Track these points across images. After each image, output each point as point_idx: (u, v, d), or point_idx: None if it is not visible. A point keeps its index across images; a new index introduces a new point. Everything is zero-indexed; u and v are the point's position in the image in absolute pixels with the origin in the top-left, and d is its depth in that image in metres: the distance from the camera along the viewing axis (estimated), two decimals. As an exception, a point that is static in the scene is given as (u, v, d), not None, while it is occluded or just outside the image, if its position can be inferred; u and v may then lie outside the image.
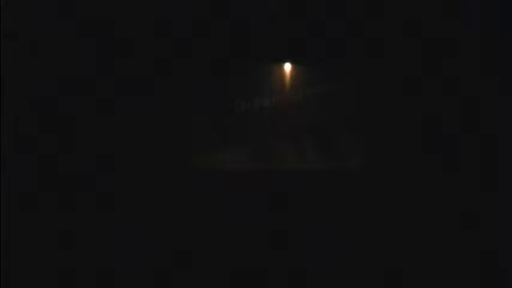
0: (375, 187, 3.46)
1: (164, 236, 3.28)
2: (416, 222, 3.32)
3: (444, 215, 3.31)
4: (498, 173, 3.30)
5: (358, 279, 3.13)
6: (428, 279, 3.10)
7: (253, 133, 3.64)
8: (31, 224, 3.16)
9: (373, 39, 3.51)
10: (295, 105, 3.66)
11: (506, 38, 3.33)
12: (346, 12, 3.47)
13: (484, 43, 3.39)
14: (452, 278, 3.09)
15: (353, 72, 3.62)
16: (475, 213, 3.26)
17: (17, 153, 3.20)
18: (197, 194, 3.44)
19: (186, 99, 3.57)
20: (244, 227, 3.36)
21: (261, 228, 3.35)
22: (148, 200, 3.38)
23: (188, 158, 3.55)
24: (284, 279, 3.14)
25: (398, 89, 3.51)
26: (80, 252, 3.17)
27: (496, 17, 3.36)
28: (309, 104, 3.66)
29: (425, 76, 3.47)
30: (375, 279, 3.12)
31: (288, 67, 3.67)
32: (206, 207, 3.41)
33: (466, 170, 3.34)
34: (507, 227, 3.19)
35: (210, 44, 3.53)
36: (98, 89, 3.39)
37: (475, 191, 3.30)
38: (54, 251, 3.14)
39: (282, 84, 3.67)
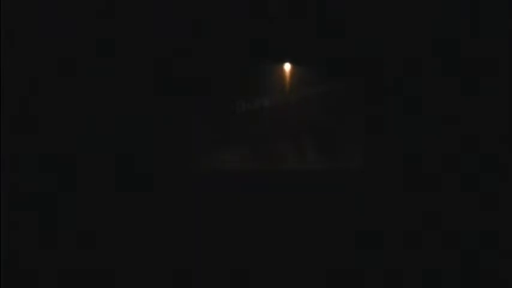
0: (374, 187, 3.46)
1: (164, 236, 3.29)
2: (415, 221, 3.33)
3: (443, 214, 3.32)
4: (498, 173, 3.30)
5: (357, 279, 3.14)
6: (427, 278, 3.10)
7: (253, 133, 3.65)
8: (30, 224, 3.17)
9: (373, 39, 3.52)
10: (295, 105, 3.66)
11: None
12: (346, 12, 3.48)
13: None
14: (451, 278, 3.09)
15: (353, 72, 3.62)
16: (474, 213, 3.26)
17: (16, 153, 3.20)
18: (197, 194, 3.44)
19: (186, 99, 3.57)
20: (244, 227, 3.36)
21: (261, 228, 3.36)
22: (149, 200, 3.38)
23: (188, 158, 3.55)
24: (283, 279, 3.14)
25: (398, 89, 3.52)
26: (80, 252, 3.17)
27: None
28: (309, 104, 3.67)
29: (424, 75, 3.47)
30: (374, 278, 3.12)
31: (288, 67, 3.67)
32: (206, 207, 3.41)
33: (465, 170, 3.35)
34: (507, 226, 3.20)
35: (210, 44, 3.53)
36: (98, 89, 3.40)
37: (475, 190, 3.30)
38: (55, 250, 3.15)
39: (282, 84, 3.67)
